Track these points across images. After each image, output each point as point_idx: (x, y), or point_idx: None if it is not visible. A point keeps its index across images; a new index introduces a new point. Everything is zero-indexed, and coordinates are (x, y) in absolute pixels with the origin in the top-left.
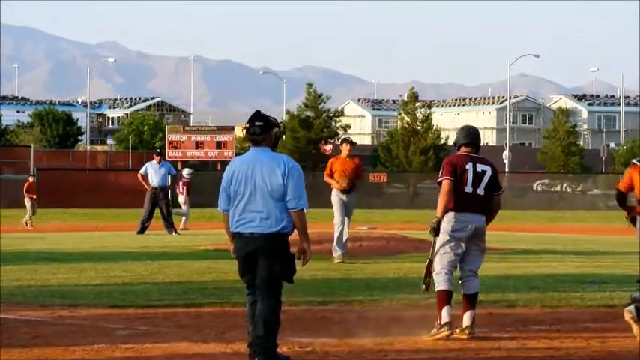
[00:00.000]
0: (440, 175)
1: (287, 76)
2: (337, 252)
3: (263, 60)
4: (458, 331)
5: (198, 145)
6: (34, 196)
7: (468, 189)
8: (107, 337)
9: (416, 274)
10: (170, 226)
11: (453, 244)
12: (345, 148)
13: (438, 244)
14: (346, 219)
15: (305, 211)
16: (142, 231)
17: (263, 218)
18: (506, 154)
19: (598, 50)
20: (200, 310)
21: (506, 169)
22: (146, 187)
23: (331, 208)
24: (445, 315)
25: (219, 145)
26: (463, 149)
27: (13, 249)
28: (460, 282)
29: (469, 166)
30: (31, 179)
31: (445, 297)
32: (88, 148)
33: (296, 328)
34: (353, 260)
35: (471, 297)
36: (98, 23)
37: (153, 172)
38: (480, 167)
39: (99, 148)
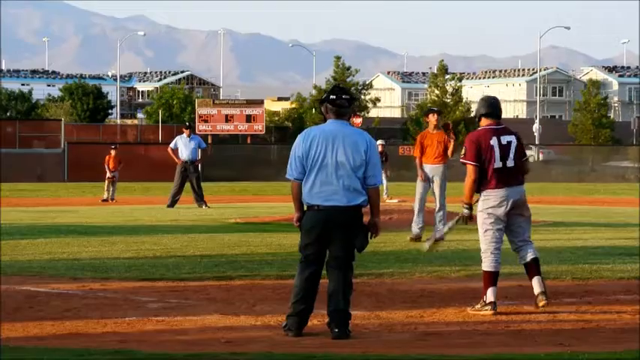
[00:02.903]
0: (463, 155)
1: (316, 49)
2: (413, 231)
3: (292, 33)
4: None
5: (227, 119)
6: (114, 170)
7: (497, 164)
8: (138, 310)
9: (447, 247)
10: (200, 199)
11: (492, 220)
12: (432, 119)
13: (479, 224)
14: (438, 194)
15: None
16: (172, 204)
17: (346, 191)
18: (536, 127)
19: (629, 22)
20: (230, 284)
21: (537, 142)
22: (176, 160)
23: None
24: (490, 295)
25: (248, 118)
26: (484, 120)
27: (44, 222)
28: (517, 254)
29: (493, 141)
30: (112, 152)
31: (491, 278)
32: (119, 121)
33: (326, 301)
34: (383, 233)
35: (530, 265)
36: None
37: (183, 146)
38: (504, 139)
39: (129, 121)
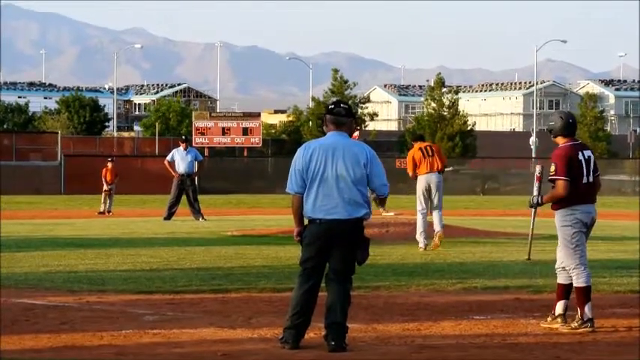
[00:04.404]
0: (554, 171)
1: (313, 61)
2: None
3: (289, 46)
4: (549, 319)
5: (224, 131)
6: (110, 182)
7: (585, 179)
8: (135, 322)
9: (443, 259)
10: (197, 212)
11: (580, 236)
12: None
13: (568, 240)
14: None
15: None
16: (168, 217)
17: (347, 205)
18: (533, 140)
19: (625, 35)
20: (227, 296)
21: (533, 155)
22: (173, 173)
23: None
24: (588, 311)
25: (245, 131)
26: (561, 138)
27: (41, 235)
28: (561, 270)
29: (581, 156)
30: (109, 165)
31: (587, 293)
32: (115, 134)
33: (323, 313)
34: (379, 246)
35: (567, 287)
36: (124, 9)
37: (179, 159)
38: (586, 154)
39: (126, 134)
